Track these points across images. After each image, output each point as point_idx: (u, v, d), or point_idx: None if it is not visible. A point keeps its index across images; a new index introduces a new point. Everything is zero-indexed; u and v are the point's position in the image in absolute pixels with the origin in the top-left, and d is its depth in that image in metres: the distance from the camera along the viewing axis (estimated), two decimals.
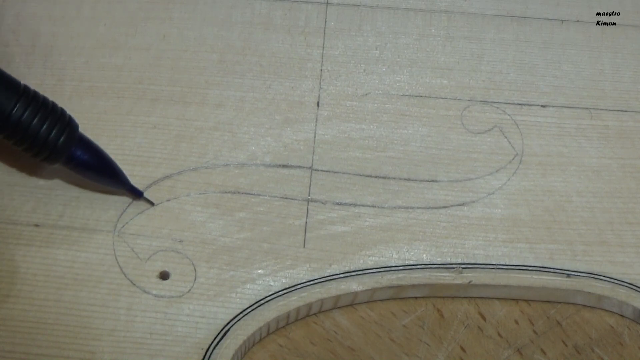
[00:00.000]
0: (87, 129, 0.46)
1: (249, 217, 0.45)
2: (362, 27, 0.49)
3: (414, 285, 0.44)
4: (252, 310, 0.43)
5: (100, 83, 0.47)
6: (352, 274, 0.44)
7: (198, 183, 0.45)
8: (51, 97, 0.47)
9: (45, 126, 0.41)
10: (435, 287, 0.44)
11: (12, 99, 0.41)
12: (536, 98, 0.48)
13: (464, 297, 0.45)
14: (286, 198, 0.45)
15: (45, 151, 0.42)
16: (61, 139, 0.42)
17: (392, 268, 0.44)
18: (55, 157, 0.42)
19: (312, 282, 0.43)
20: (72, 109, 0.46)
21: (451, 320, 0.44)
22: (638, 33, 0.50)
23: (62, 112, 0.42)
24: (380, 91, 0.48)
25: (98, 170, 0.43)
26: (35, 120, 0.41)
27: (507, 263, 0.44)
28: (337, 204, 0.45)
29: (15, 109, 0.41)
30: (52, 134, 0.42)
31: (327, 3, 0.50)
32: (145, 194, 0.45)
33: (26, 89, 0.42)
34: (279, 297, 0.43)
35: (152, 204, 0.45)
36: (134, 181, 0.45)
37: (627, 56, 0.49)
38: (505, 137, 0.47)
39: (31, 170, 0.45)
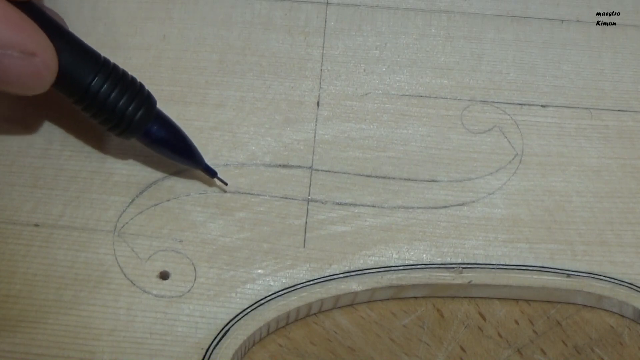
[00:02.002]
0: (87, 128, 0.46)
1: (249, 217, 0.45)
2: (362, 27, 0.49)
3: (414, 285, 0.44)
4: (252, 310, 0.43)
5: None
6: (352, 274, 0.44)
7: (198, 183, 0.45)
8: (51, 97, 0.47)
9: (123, 100, 0.41)
10: (435, 287, 0.44)
11: (92, 70, 0.41)
12: (536, 98, 0.48)
13: (464, 297, 0.45)
14: (286, 198, 0.45)
15: (122, 125, 0.42)
16: (139, 114, 0.42)
17: (392, 268, 0.44)
18: (131, 132, 0.42)
19: (312, 282, 0.43)
20: (72, 109, 0.47)
21: (451, 320, 0.44)
22: (638, 33, 0.50)
23: (141, 87, 0.42)
24: (380, 91, 0.48)
25: (174, 148, 0.43)
26: (114, 93, 0.41)
27: (507, 263, 0.44)
28: (337, 204, 0.45)
29: (95, 81, 0.41)
30: (130, 108, 0.41)
31: (327, 3, 0.50)
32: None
33: (106, 61, 0.42)
34: (279, 297, 0.43)
35: (225, 184, 0.45)
36: (134, 181, 0.45)
37: (627, 56, 0.49)
38: (505, 137, 0.47)
39: (31, 170, 0.45)
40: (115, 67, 0.42)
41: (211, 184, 0.45)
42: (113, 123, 0.42)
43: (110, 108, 0.41)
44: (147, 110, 0.42)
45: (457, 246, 0.45)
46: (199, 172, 0.45)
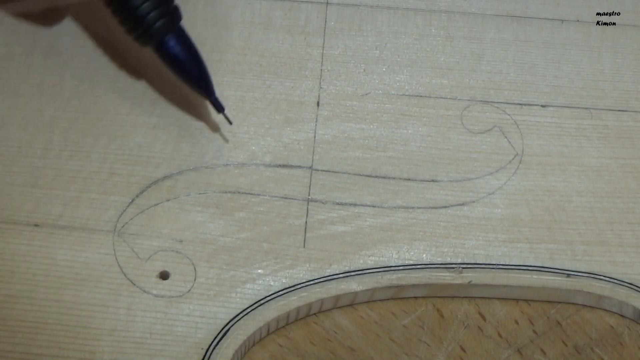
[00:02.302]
0: (87, 128, 0.46)
1: (249, 217, 0.45)
2: (362, 27, 0.49)
3: (414, 285, 0.44)
4: (252, 310, 0.43)
5: (100, 83, 0.47)
6: (352, 274, 0.44)
7: (198, 183, 0.45)
8: (51, 97, 0.47)
9: (148, 3, 0.42)
10: (435, 287, 0.44)
11: None
12: (536, 98, 0.48)
13: (464, 297, 0.45)
14: (286, 198, 0.45)
15: (139, 29, 0.42)
16: (158, 23, 0.42)
17: (392, 268, 0.44)
18: (147, 39, 0.42)
19: (312, 282, 0.43)
20: (72, 109, 0.47)
21: (451, 320, 0.44)
22: (638, 33, 0.50)
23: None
24: (380, 91, 0.48)
25: (187, 69, 0.43)
26: None
27: (507, 263, 0.44)
28: (337, 203, 0.45)
29: None
30: (152, 15, 0.42)
31: (327, 3, 0.50)
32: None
33: None
34: (279, 297, 0.43)
35: (230, 122, 0.45)
36: (134, 181, 0.45)
37: (627, 56, 0.49)
38: (505, 137, 0.47)
39: (31, 170, 0.45)
40: None
41: (214, 129, 0.45)
42: (131, 25, 0.42)
43: (131, 9, 0.41)
44: (169, 22, 0.42)
45: (457, 246, 0.45)
46: (207, 115, 0.45)
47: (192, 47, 0.44)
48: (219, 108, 0.44)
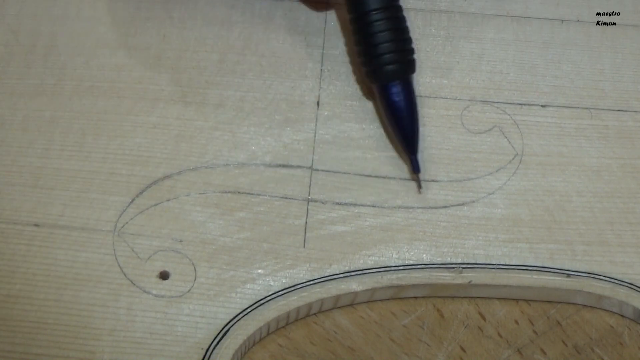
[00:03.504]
0: (87, 128, 0.46)
1: (249, 217, 0.45)
2: None
3: (414, 285, 0.44)
4: (252, 310, 0.43)
5: (100, 83, 0.47)
6: (352, 274, 0.44)
7: (198, 183, 0.45)
8: (51, 97, 0.47)
9: (388, 45, 0.43)
10: (435, 287, 0.44)
11: (380, 3, 0.43)
12: (536, 98, 0.48)
13: (464, 297, 0.45)
14: (286, 198, 0.45)
15: (372, 64, 0.43)
16: (391, 66, 0.43)
17: (392, 268, 0.44)
18: (375, 77, 0.44)
19: (312, 282, 0.43)
20: (72, 109, 0.47)
21: (451, 320, 0.44)
22: (638, 33, 0.50)
23: (411, 50, 0.44)
24: None
25: (400, 121, 0.44)
26: (384, 33, 0.43)
27: (507, 263, 0.44)
28: (337, 203, 0.45)
29: (376, 13, 0.43)
30: (388, 56, 0.43)
31: (327, 3, 0.50)
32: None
33: (397, 6, 0.44)
34: (279, 297, 0.43)
35: (420, 187, 0.45)
36: (134, 181, 0.45)
37: (627, 56, 0.49)
38: (505, 137, 0.47)
39: (31, 170, 0.45)
40: (401, 18, 0.44)
41: (413, 178, 0.46)
42: (368, 58, 0.43)
43: (375, 43, 0.43)
44: (401, 69, 0.44)
45: (457, 246, 0.45)
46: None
47: (412, 101, 0.44)
48: (416, 169, 0.45)
